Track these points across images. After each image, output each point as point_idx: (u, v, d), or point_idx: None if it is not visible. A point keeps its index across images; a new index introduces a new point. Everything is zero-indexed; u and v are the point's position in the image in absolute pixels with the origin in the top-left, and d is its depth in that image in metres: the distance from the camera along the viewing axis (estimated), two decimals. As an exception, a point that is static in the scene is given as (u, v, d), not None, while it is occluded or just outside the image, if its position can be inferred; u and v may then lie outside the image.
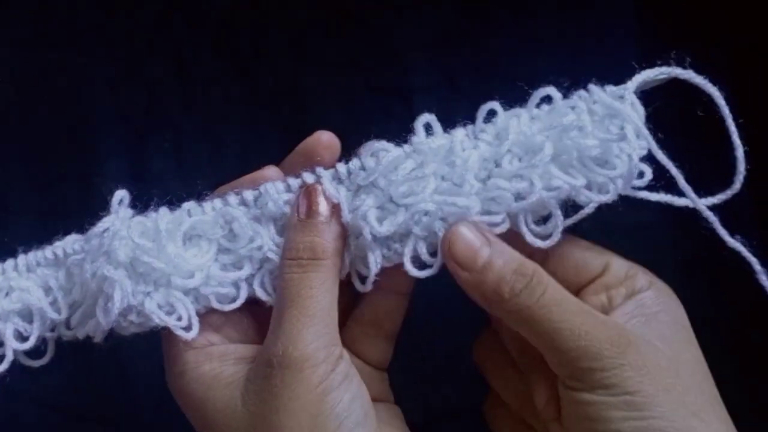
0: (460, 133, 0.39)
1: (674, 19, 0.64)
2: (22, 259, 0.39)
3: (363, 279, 0.40)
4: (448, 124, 0.41)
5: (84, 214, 0.41)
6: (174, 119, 0.64)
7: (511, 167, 0.38)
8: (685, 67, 0.39)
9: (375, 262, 0.39)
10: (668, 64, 0.40)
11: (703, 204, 0.39)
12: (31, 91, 0.64)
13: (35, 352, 0.40)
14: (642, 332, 0.37)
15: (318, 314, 0.37)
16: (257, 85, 0.65)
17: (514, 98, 0.41)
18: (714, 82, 0.39)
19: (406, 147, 0.39)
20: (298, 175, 0.40)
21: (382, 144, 0.39)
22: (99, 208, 0.40)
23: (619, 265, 0.40)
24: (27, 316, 0.39)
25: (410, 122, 0.41)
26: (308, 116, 0.64)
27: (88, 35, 0.65)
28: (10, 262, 0.39)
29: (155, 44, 0.65)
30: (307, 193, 0.39)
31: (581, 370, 0.36)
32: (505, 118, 0.39)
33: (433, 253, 0.39)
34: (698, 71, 0.40)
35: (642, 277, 0.40)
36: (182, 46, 0.65)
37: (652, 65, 0.40)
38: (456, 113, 0.41)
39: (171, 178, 0.63)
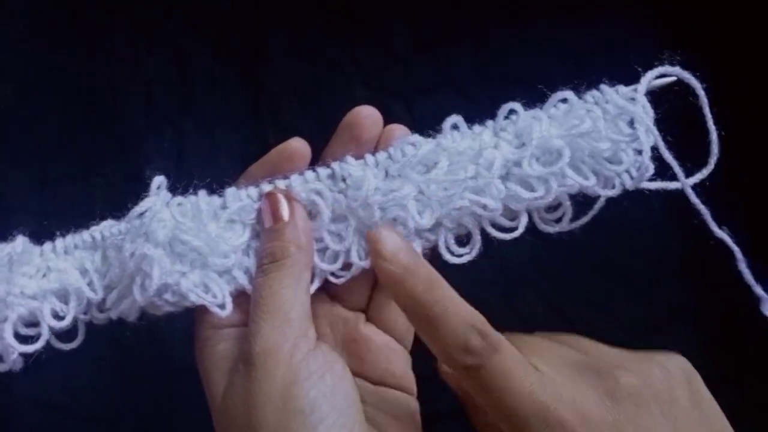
0: (486, 135, 0.41)
1: (668, 21, 0.64)
2: (60, 241, 0.40)
3: None
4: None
5: (84, 214, 0.41)
6: (174, 119, 0.64)
7: (531, 170, 0.40)
8: (673, 65, 0.41)
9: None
10: (666, 65, 0.41)
11: (689, 187, 0.41)
12: (32, 91, 0.64)
13: (66, 335, 0.40)
14: None
15: (280, 310, 0.37)
16: (257, 85, 0.65)
17: (513, 99, 0.42)
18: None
19: (433, 141, 0.40)
20: (326, 165, 0.41)
21: (414, 137, 0.40)
22: (99, 208, 0.40)
23: None
24: (63, 297, 0.40)
25: (410, 123, 0.41)
26: (308, 116, 0.64)
27: (88, 35, 0.65)
28: (48, 245, 0.40)
29: (155, 44, 0.65)
30: (267, 202, 0.39)
31: None
32: (526, 119, 0.41)
33: (457, 241, 0.41)
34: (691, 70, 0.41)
35: None
36: (182, 46, 0.65)
37: (649, 66, 0.41)
38: (455, 114, 0.42)
39: (171, 178, 0.63)
